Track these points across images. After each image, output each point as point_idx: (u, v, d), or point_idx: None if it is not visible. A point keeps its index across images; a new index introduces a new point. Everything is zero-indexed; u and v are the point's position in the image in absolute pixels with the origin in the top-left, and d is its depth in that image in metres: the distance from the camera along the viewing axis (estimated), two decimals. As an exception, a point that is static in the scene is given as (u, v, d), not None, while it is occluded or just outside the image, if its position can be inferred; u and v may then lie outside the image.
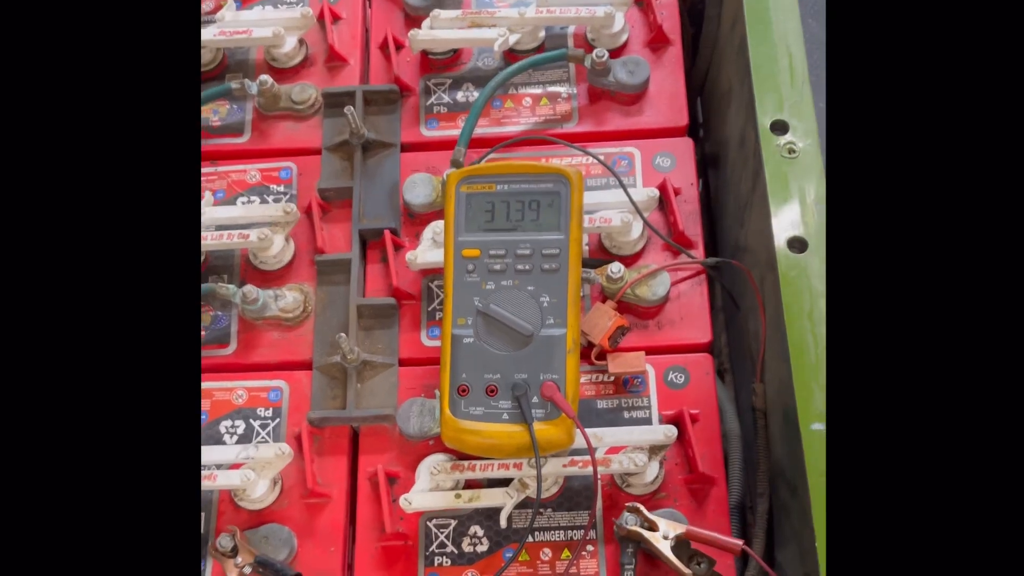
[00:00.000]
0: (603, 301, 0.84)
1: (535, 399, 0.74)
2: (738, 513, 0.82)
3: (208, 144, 0.94)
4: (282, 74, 0.97)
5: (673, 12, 0.97)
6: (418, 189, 0.88)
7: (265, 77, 0.92)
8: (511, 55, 0.96)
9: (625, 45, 0.96)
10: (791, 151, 0.78)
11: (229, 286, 0.84)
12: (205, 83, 0.97)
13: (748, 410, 0.86)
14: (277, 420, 0.83)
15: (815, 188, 0.77)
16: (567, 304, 0.76)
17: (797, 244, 0.75)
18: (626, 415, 0.82)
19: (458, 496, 0.77)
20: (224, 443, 0.82)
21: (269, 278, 0.88)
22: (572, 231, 0.77)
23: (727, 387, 0.90)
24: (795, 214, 0.76)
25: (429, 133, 0.94)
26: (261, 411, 0.83)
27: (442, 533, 0.79)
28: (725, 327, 0.95)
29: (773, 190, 0.77)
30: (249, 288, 0.84)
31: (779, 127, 0.79)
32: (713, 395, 0.82)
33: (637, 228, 0.86)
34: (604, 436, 0.77)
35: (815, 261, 0.74)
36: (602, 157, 0.90)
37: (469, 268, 0.77)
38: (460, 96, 0.95)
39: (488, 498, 0.77)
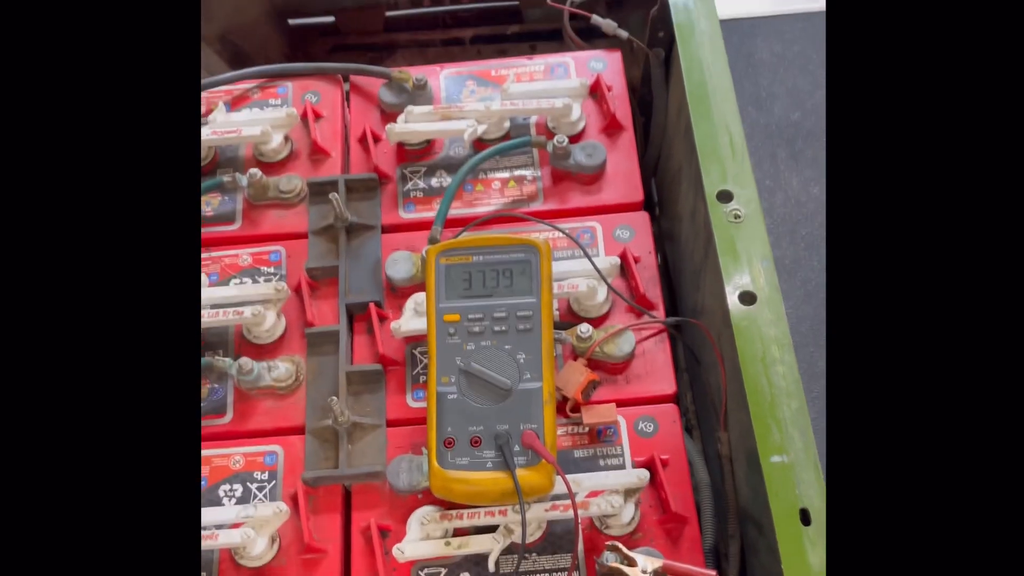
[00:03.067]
0: (575, 359, 0.91)
1: (517, 447, 0.81)
2: (712, 558, 0.88)
3: (202, 233, 1.01)
4: (270, 167, 1.05)
5: (624, 102, 1.07)
6: (399, 265, 0.96)
7: (255, 170, 1.00)
8: (479, 143, 1.05)
9: (583, 132, 1.05)
10: (736, 216, 0.87)
11: (225, 359, 0.90)
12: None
13: (715, 460, 0.92)
14: (273, 482, 0.88)
15: (760, 247, 0.85)
16: (542, 360, 0.83)
17: (747, 297, 0.83)
18: (601, 463, 0.88)
19: (448, 543, 0.82)
20: (223, 506, 0.87)
21: (262, 351, 0.94)
22: (543, 295, 0.85)
23: (696, 441, 0.97)
24: (744, 271, 0.85)
25: (407, 215, 1.02)
26: (258, 474, 0.88)
27: (433, 582, 0.84)
28: (690, 386, 1.03)
29: (723, 251, 0.85)
30: (244, 360, 0.90)
31: (724, 196, 0.88)
32: (680, 442, 0.89)
33: (602, 293, 0.94)
34: (582, 481, 0.84)
35: (764, 311, 0.82)
36: (567, 231, 0.98)
37: (451, 331, 0.85)
38: (434, 182, 1.04)
39: (477, 544, 0.82)
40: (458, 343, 0.84)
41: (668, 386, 0.92)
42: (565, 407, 0.89)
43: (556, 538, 0.85)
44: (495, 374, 0.83)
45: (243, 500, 0.87)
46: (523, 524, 0.79)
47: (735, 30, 1.67)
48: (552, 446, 0.81)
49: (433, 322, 0.85)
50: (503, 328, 0.84)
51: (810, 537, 0.73)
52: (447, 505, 0.84)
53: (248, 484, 0.88)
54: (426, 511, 0.84)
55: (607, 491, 0.83)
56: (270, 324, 0.94)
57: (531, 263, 0.86)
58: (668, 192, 1.15)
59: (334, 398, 0.87)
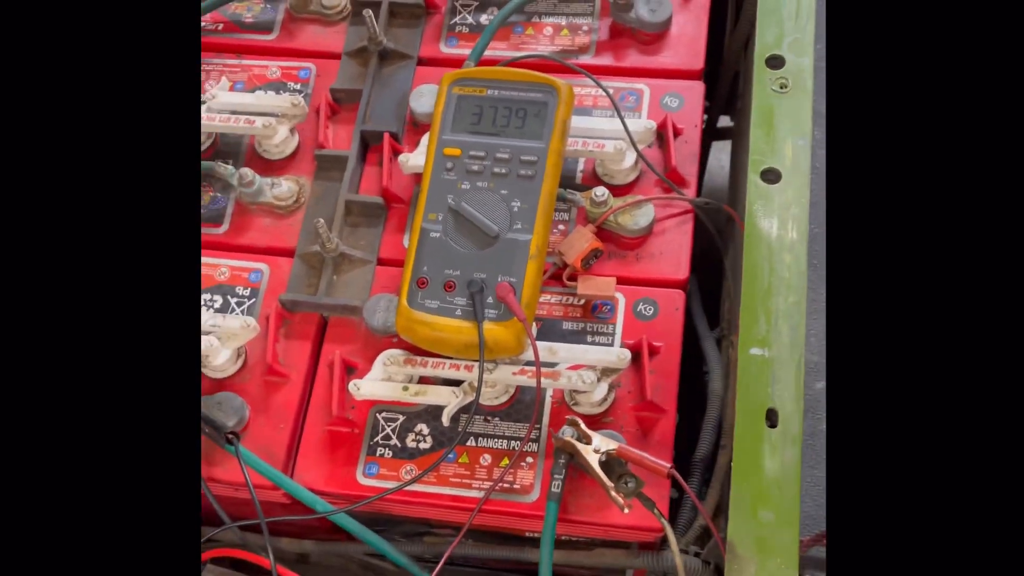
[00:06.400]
0: (584, 224, 0.83)
1: (490, 299, 0.74)
2: (701, 466, 0.81)
3: (237, 38, 0.97)
4: (316, -21, 1.00)
5: (703, -44, 0.96)
6: (424, 99, 0.90)
7: (300, -21, 0.96)
8: (539, -17, 0.96)
9: (652, -17, 0.95)
10: (782, 86, 0.76)
11: (228, 166, 0.87)
12: (242, -17, 1.00)
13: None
14: (254, 300, 0.85)
15: (800, 124, 0.75)
16: (537, 211, 0.76)
17: (771, 175, 0.73)
18: (589, 339, 0.81)
19: (405, 388, 0.78)
20: (199, 313, 0.85)
21: (271, 167, 0.91)
22: (553, 142, 0.77)
23: (723, 353, 0.88)
24: (774, 147, 0.74)
25: (448, 50, 0.95)
26: (240, 289, 0.86)
27: (389, 426, 0.80)
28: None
29: (756, 121, 0.75)
30: (246, 171, 0.86)
31: (775, 62, 0.78)
32: (679, 331, 0.81)
33: (630, 158, 0.85)
34: (558, 351, 0.77)
35: (787, 192, 0.72)
36: (611, 90, 0.89)
37: (448, 166, 0.78)
38: (484, 19, 0.96)
39: (434, 395, 0.77)
40: (453, 180, 0.78)
41: (680, 271, 0.83)
42: (562, 274, 0.82)
43: (523, 406, 0.79)
44: (484, 218, 0.76)
45: (220, 311, 0.85)
46: (479, 379, 0.74)
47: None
48: (530, 305, 0.75)
49: (432, 154, 0.79)
50: (503, 171, 0.77)
51: (772, 441, 0.64)
52: (417, 351, 0.80)
53: (228, 297, 0.85)
54: (392, 353, 0.80)
55: (584, 366, 0.76)
56: (280, 139, 0.90)
57: (548, 106, 0.78)
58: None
59: (320, 221, 0.82)
